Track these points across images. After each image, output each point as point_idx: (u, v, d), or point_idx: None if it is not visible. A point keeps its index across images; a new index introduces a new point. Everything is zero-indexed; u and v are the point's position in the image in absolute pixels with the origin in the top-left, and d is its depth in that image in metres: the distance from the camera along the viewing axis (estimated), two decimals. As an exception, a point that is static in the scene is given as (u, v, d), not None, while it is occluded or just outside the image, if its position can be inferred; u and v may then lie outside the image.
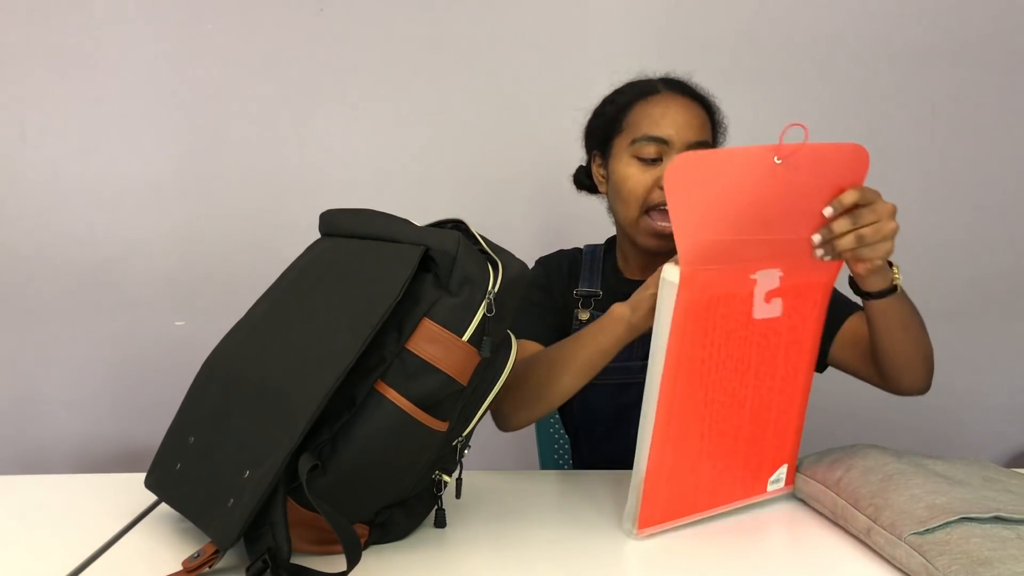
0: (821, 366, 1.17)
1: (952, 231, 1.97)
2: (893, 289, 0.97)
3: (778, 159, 0.83)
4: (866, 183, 0.91)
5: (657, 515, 0.91)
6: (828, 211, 0.88)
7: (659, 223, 1.15)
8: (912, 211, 1.94)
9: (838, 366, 1.18)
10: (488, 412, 0.91)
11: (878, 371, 1.09)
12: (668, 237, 1.13)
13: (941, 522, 0.80)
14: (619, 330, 0.99)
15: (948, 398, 2.00)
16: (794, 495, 1.01)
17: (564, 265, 1.31)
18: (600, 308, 1.24)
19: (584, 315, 1.25)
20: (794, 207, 0.87)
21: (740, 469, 0.95)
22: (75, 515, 0.95)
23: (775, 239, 0.87)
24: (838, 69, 1.91)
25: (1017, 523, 0.80)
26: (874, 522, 0.85)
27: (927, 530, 0.80)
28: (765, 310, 0.90)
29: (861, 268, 0.93)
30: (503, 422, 1.09)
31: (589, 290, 1.27)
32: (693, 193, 0.81)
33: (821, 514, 0.97)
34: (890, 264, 0.97)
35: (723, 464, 0.94)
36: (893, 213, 0.89)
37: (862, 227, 0.88)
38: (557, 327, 1.24)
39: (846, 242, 0.88)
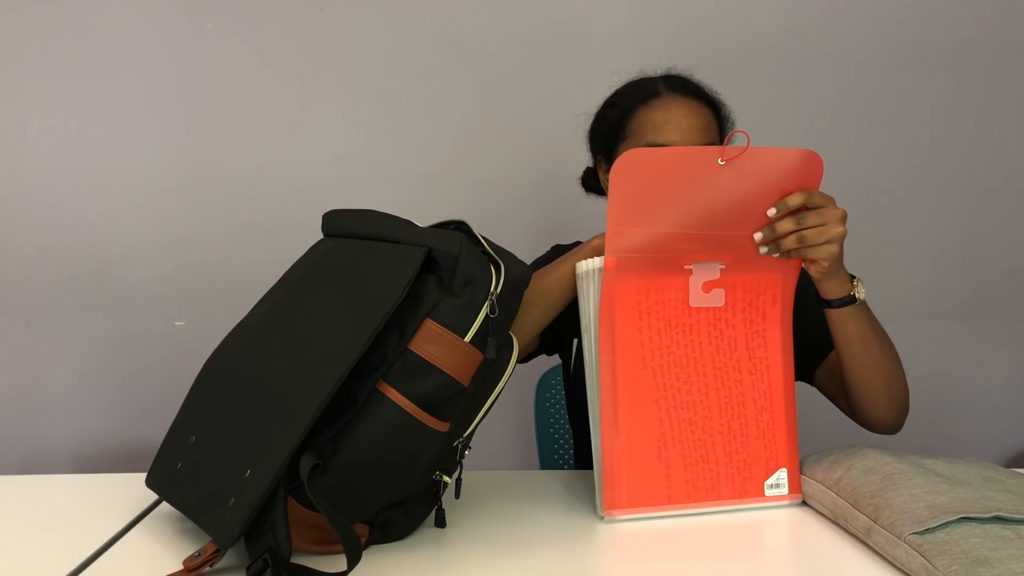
0: (805, 375, 1.18)
1: (952, 231, 1.97)
2: (852, 300, 1.00)
3: (722, 161, 0.88)
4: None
5: (623, 498, 0.94)
6: (772, 212, 0.93)
7: None
8: (912, 211, 1.96)
9: (821, 389, 1.19)
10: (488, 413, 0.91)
11: (847, 399, 1.11)
12: None
13: (941, 522, 0.80)
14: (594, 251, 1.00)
15: (948, 398, 2.00)
16: (794, 495, 1.01)
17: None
18: None
19: None
20: (739, 206, 0.92)
21: (722, 465, 0.97)
22: (75, 515, 0.95)
23: (718, 235, 0.93)
24: (838, 69, 1.91)
25: (1017, 523, 0.81)
26: (874, 522, 0.85)
27: (927, 530, 0.80)
28: (703, 299, 0.97)
29: (813, 270, 0.98)
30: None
31: None
32: (635, 187, 0.89)
33: (821, 514, 0.97)
34: (854, 278, 1.01)
35: (697, 456, 0.96)
36: (842, 219, 0.94)
37: (805, 228, 0.92)
38: (563, 315, 1.23)
39: (788, 242, 0.93)
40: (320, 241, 0.98)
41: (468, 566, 0.83)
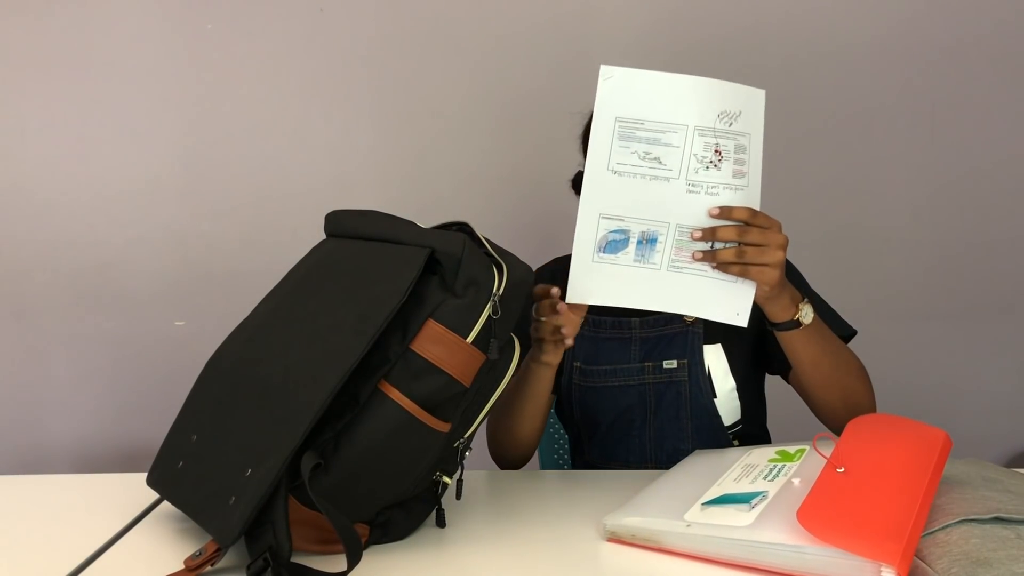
0: (783, 372, 1.19)
1: (952, 231, 1.97)
2: (796, 324, 1.02)
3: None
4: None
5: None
6: (715, 211, 0.95)
7: None
8: (912, 211, 1.96)
9: (796, 389, 1.19)
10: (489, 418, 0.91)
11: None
12: None
13: (941, 525, 0.79)
14: (539, 375, 1.07)
15: (948, 398, 2.00)
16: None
17: (545, 276, 1.22)
18: (592, 311, 1.18)
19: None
20: None
21: None
22: (75, 515, 0.95)
23: None
24: (838, 69, 1.91)
25: (1017, 523, 0.80)
26: (875, 522, 0.85)
27: (927, 532, 0.80)
28: None
29: (757, 294, 0.98)
30: (499, 463, 1.20)
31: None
32: None
33: (821, 514, 0.97)
34: (806, 297, 1.03)
35: None
36: (783, 245, 0.95)
37: (747, 244, 0.94)
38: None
39: (725, 254, 0.95)
40: (323, 241, 0.99)
41: (468, 566, 0.83)
